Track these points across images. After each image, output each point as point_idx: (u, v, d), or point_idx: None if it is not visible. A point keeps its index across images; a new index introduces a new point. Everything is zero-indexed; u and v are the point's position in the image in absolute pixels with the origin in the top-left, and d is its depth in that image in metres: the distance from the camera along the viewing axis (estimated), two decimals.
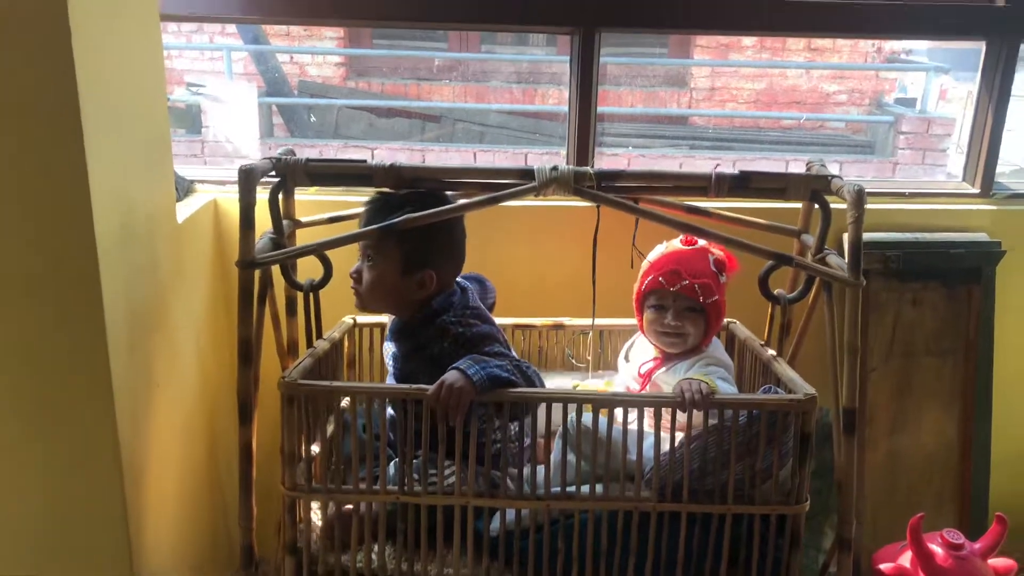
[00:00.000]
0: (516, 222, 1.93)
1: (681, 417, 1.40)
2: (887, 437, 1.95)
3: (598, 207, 1.60)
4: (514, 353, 1.56)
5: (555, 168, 1.50)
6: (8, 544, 1.45)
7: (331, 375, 1.71)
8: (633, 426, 1.41)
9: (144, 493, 1.51)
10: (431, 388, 1.37)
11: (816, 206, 1.56)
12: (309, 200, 1.87)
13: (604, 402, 1.42)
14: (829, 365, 1.55)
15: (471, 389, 1.36)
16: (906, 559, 1.55)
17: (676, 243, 1.68)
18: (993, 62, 2.01)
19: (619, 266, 1.71)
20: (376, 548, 1.47)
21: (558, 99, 5.67)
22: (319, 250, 1.53)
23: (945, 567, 1.49)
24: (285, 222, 1.66)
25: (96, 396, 1.38)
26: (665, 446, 1.41)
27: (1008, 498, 1.89)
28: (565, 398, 1.44)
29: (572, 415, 1.43)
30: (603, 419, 1.41)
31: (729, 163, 5.19)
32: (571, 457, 1.44)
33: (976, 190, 2.08)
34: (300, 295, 1.71)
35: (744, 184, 1.53)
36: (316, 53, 5.79)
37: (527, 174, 1.51)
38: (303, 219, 1.70)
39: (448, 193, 1.58)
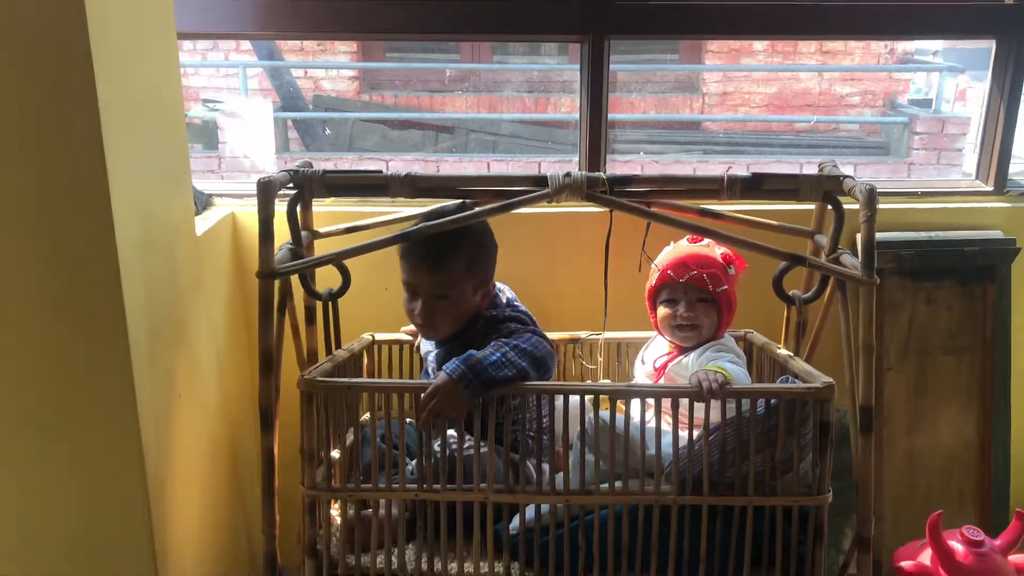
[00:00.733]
0: (530, 229, 1.95)
1: (699, 410, 1.41)
2: (905, 436, 1.95)
3: (611, 212, 1.62)
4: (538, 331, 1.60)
5: (568, 174, 1.52)
6: (36, 553, 1.48)
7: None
8: (651, 423, 1.43)
9: (168, 502, 1.53)
10: (424, 394, 1.40)
11: (829, 207, 1.57)
12: (326, 211, 1.89)
13: (621, 393, 1.43)
14: (845, 364, 1.55)
15: (461, 398, 1.39)
16: (926, 557, 1.55)
17: (683, 242, 1.70)
18: (1004, 60, 2.01)
19: (632, 270, 1.72)
20: (396, 549, 1.48)
21: (570, 107, 5.70)
22: (338, 259, 1.56)
23: (965, 564, 1.49)
24: (303, 233, 1.69)
25: (120, 406, 1.40)
26: (683, 441, 1.41)
27: None
28: (582, 389, 1.45)
29: (590, 414, 1.44)
30: (620, 416, 1.42)
31: (742, 167, 5.20)
32: (589, 455, 1.44)
33: (989, 188, 2.07)
34: (319, 305, 1.74)
35: (756, 186, 1.54)
36: (330, 67, 5.84)
37: (540, 181, 1.53)
38: (321, 230, 1.73)
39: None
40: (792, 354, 1.65)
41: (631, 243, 1.72)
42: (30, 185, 1.31)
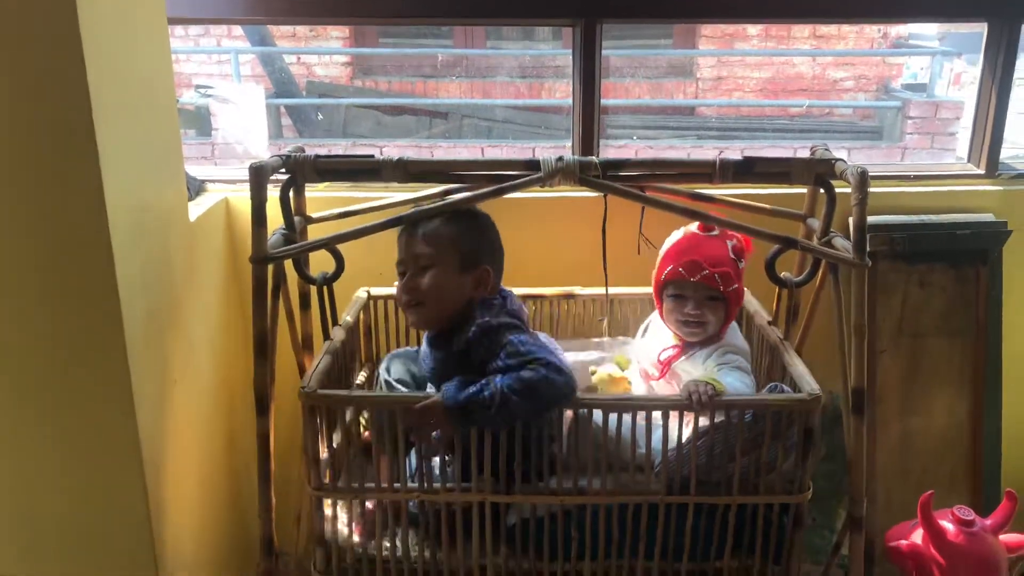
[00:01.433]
0: (524, 214, 1.95)
1: (689, 414, 1.42)
2: (898, 419, 1.96)
3: (605, 196, 1.62)
4: (540, 344, 1.47)
5: (560, 159, 1.52)
6: (32, 539, 1.49)
7: (349, 359, 1.75)
8: (642, 421, 1.43)
9: (165, 487, 1.54)
10: (419, 404, 1.40)
11: (821, 191, 1.58)
12: (319, 197, 1.89)
13: (614, 407, 1.44)
14: (837, 347, 1.56)
15: (443, 417, 1.39)
16: (918, 536, 1.57)
17: (693, 228, 1.69)
18: (995, 43, 2.01)
19: (627, 253, 1.72)
20: (400, 539, 1.51)
21: (564, 93, 5.68)
22: (332, 244, 1.56)
23: (956, 543, 1.50)
24: (296, 218, 1.69)
25: (116, 392, 1.41)
26: (673, 437, 1.43)
27: (1020, 476, 1.90)
28: (576, 403, 1.43)
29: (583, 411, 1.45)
30: (612, 418, 1.44)
31: (736, 152, 5.19)
32: (583, 450, 1.45)
33: (981, 171, 2.08)
34: (313, 290, 1.74)
35: (748, 169, 1.54)
36: (322, 53, 5.81)
37: (533, 165, 1.53)
38: (314, 215, 1.73)
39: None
40: (783, 337, 1.66)
41: (627, 224, 1.73)
42: (22, 173, 1.31)
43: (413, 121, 5.66)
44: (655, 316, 1.77)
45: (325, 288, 1.71)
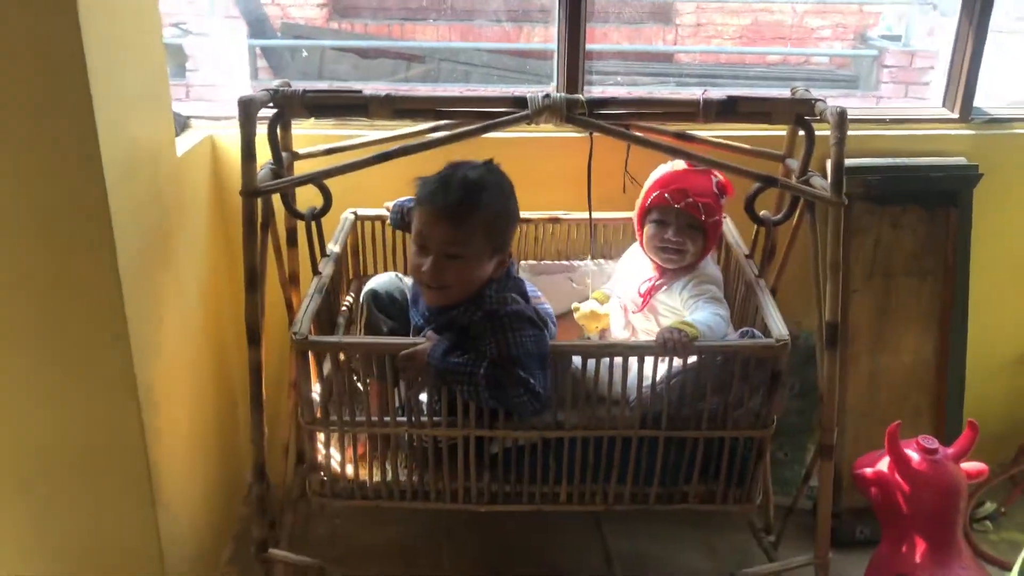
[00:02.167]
0: (510, 153, 1.96)
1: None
2: (868, 356, 2.03)
3: (591, 134, 1.65)
4: (533, 351, 1.46)
5: (548, 96, 1.54)
6: (31, 468, 1.52)
7: (337, 284, 1.79)
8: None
9: (159, 416, 1.57)
10: (405, 351, 1.45)
11: (800, 132, 1.62)
12: (306, 134, 1.90)
13: (593, 352, 1.49)
14: (812, 283, 1.62)
15: (425, 369, 1.44)
16: (884, 464, 1.64)
17: (680, 164, 1.73)
18: None
19: (612, 193, 1.76)
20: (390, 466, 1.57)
21: (544, 37, 5.63)
22: (321, 178, 1.58)
23: (920, 470, 1.58)
24: (284, 154, 1.70)
25: (112, 327, 1.43)
26: (648, 376, 1.49)
27: (981, 410, 1.98)
28: (557, 351, 1.50)
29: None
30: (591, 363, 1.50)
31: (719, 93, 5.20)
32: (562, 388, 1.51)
33: (955, 115, 2.12)
34: (301, 226, 1.76)
35: (731, 108, 1.58)
36: None
37: (520, 102, 1.55)
38: (300, 151, 1.74)
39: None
40: (758, 274, 1.71)
41: (611, 164, 1.76)
42: (13, 110, 1.31)
43: (390, 65, 5.59)
44: (632, 250, 1.82)
45: (313, 223, 1.72)
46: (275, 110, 1.61)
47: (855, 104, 5.31)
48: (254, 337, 1.54)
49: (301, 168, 1.71)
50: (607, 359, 1.48)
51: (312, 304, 1.58)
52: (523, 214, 1.86)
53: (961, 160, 2.05)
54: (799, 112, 1.59)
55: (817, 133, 1.59)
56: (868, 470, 1.64)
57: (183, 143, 1.85)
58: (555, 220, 1.93)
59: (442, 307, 1.53)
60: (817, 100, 1.58)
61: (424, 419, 1.52)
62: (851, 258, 1.98)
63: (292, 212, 1.70)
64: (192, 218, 1.81)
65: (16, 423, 1.49)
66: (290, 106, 1.59)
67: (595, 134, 1.69)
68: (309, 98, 1.59)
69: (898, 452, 1.58)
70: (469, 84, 5.45)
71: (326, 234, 1.78)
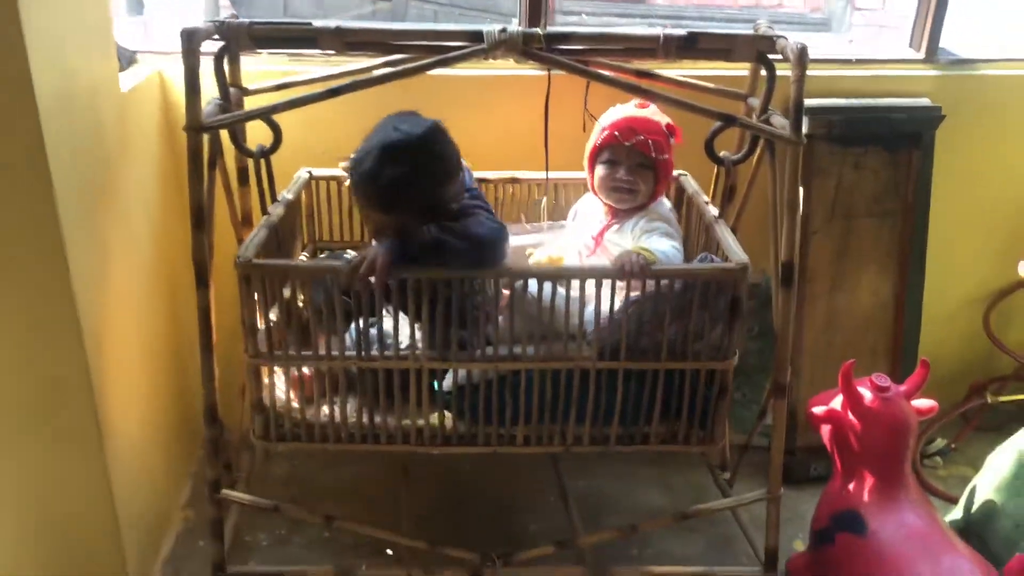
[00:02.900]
0: (467, 92, 1.92)
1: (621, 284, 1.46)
2: (826, 296, 2.04)
3: (549, 71, 1.61)
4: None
5: (504, 29, 1.50)
6: None
7: (289, 237, 1.74)
8: (576, 293, 1.47)
9: (107, 362, 1.53)
10: (349, 263, 1.42)
11: (763, 71, 1.59)
12: (257, 71, 1.84)
13: (549, 276, 1.47)
14: (769, 224, 1.61)
15: (387, 260, 1.40)
16: (838, 403, 1.65)
17: (630, 106, 1.70)
18: None
19: (572, 132, 1.72)
20: (338, 405, 1.54)
21: None
22: (268, 114, 1.53)
23: (872, 408, 1.59)
24: (232, 89, 1.64)
25: (51, 267, 1.39)
26: (605, 307, 1.46)
27: (937, 351, 2.00)
28: (512, 274, 1.48)
29: (519, 283, 1.48)
30: (547, 287, 1.47)
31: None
32: (518, 322, 1.49)
33: (921, 56, 2.10)
34: (252, 164, 1.71)
35: (692, 45, 1.54)
36: None
37: (476, 36, 1.50)
38: (250, 87, 1.69)
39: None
40: (718, 215, 1.70)
41: (572, 102, 1.72)
42: None
43: (355, 2, 5.45)
44: (584, 199, 1.80)
45: (263, 162, 1.68)
46: (222, 43, 1.55)
47: (825, 45, 5.28)
48: (202, 277, 1.50)
49: (252, 104, 1.66)
50: (562, 286, 1.47)
51: (260, 235, 1.55)
52: (480, 174, 1.83)
53: (925, 101, 2.03)
54: (760, 49, 1.56)
55: (780, 73, 1.56)
56: (821, 408, 1.65)
57: (130, 78, 1.79)
58: (514, 180, 1.88)
59: None
60: (779, 36, 1.54)
61: (374, 352, 1.50)
62: (812, 199, 1.98)
63: (241, 149, 1.66)
64: (140, 155, 1.76)
65: None
66: (236, 38, 1.54)
67: (554, 72, 1.65)
68: (256, 30, 1.53)
69: (851, 390, 1.59)
70: (435, 23, 5.33)
71: (278, 178, 1.73)
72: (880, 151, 2.00)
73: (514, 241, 1.81)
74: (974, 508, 1.70)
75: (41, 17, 1.31)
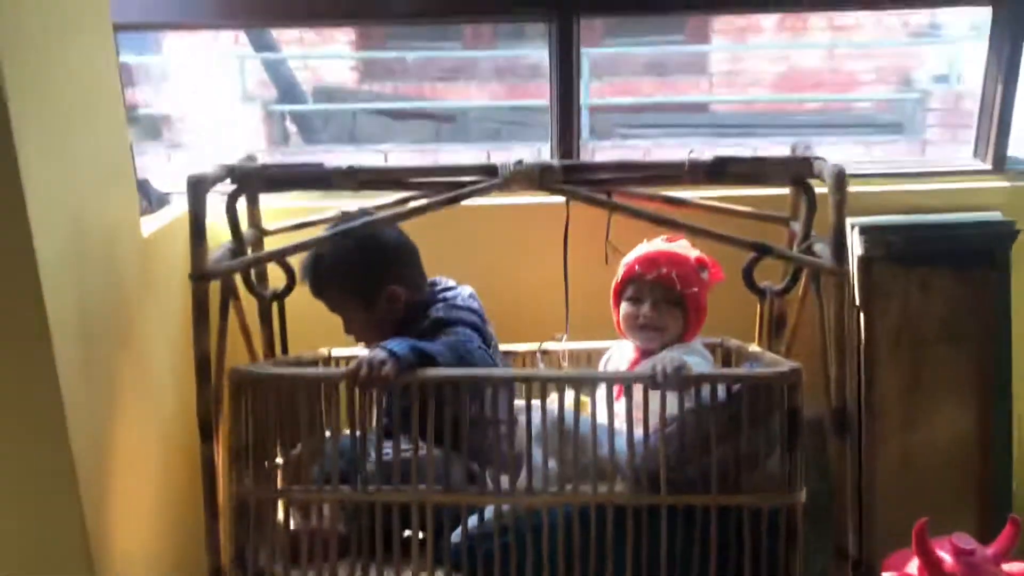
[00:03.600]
0: (485, 222, 1.85)
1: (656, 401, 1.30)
2: (898, 434, 1.84)
3: (567, 202, 1.53)
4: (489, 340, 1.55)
5: (520, 162, 1.44)
6: None
7: None
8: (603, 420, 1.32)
9: (108, 516, 1.45)
10: (350, 366, 1.33)
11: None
12: (285, 207, 1.81)
13: (570, 381, 1.34)
14: (819, 361, 1.45)
15: (393, 364, 1.30)
16: (914, 567, 1.45)
17: (657, 240, 1.59)
18: (1000, 29, 1.88)
19: (595, 265, 1.62)
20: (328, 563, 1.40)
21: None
22: (276, 258, 1.49)
23: (954, 574, 1.38)
24: (251, 231, 1.62)
25: (47, 421, 1.32)
26: (639, 429, 1.31)
27: None
28: (527, 377, 1.35)
29: (536, 401, 1.34)
30: (570, 411, 1.34)
31: (749, 150, 5.05)
32: (537, 454, 1.34)
33: (988, 166, 1.95)
34: (275, 305, 1.67)
35: (721, 170, 1.44)
36: (324, 58, 5.77)
37: (490, 170, 1.45)
38: (269, 227, 1.66)
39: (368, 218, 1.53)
40: (764, 351, 1.55)
41: (597, 236, 1.63)
42: None
43: (420, 125, 5.59)
44: (614, 347, 1.67)
45: (276, 304, 1.62)
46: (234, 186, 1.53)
47: (900, 151, 5.10)
48: (206, 432, 1.43)
49: (273, 244, 1.62)
50: (587, 394, 1.34)
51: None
52: (507, 347, 1.71)
53: (996, 215, 1.86)
54: (796, 172, 1.44)
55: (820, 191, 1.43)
56: (894, 574, 1.45)
57: (157, 220, 1.78)
58: (544, 352, 1.73)
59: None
60: (816, 158, 1.43)
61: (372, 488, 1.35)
62: (875, 326, 1.81)
63: (253, 292, 1.61)
64: (163, 299, 1.72)
65: None
66: (248, 182, 1.51)
67: (574, 201, 1.57)
68: (269, 173, 1.51)
69: (928, 554, 1.39)
70: (498, 141, 5.42)
71: (299, 318, 1.67)
72: (948, 271, 1.83)
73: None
74: None
75: (45, 165, 1.29)
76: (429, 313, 1.52)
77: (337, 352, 1.74)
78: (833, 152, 1.51)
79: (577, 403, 1.44)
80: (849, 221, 1.81)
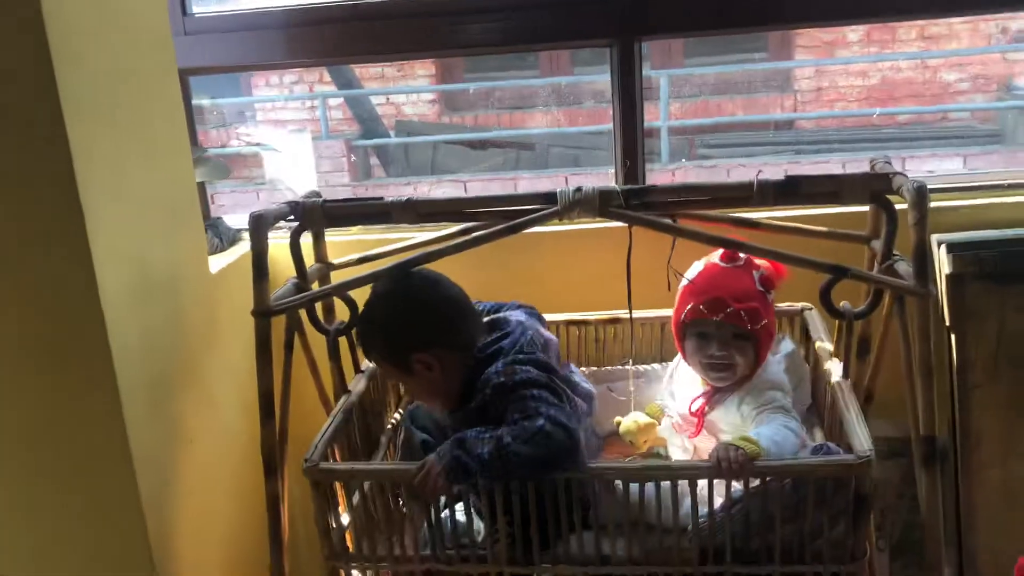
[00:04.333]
0: (546, 249, 1.82)
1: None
2: (1000, 463, 1.70)
3: (630, 228, 1.47)
4: (554, 401, 1.34)
5: (579, 189, 1.40)
6: None
7: (379, 415, 1.67)
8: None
9: (175, 553, 1.47)
10: (414, 470, 1.29)
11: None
12: (353, 240, 1.82)
13: (632, 476, 1.28)
14: (905, 389, 1.35)
15: (445, 484, 1.27)
16: None
17: (714, 259, 1.52)
18: None
19: (660, 289, 1.56)
20: None
21: (655, 115, 5.51)
22: (334, 293, 1.50)
23: None
24: (317, 265, 1.63)
25: (114, 462, 1.36)
26: (704, 499, 1.26)
27: None
28: (592, 475, 1.30)
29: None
30: (634, 488, 1.29)
31: (837, 165, 4.87)
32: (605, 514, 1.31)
33: None
34: (343, 341, 1.66)
35: (792, 190, 1.37)
36: (401, 92, 5.88)
37: (549, 198, 1.41)
38: (335, 261, 1.66)
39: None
40: (844, 374, 1.45)
41: (660, 258, 1.57)
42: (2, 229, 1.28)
43: (500, 154, 5.63)
44: (679, 365, 1.60)
45: (337, 340, 1.62)
46: (296, 223, 1.54)
47: (1001, 161, 4.85)
48: (271, 469, 1.44)
49: (340, 278, 1.62)
50: (651, 483, 1.27)
51: (332, 427, 1.45)
52: (580, 315, 1.71)
53: None
54: (875, 189, 1.35)
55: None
56: None
57: (226, 257, 1.82)
58: (615, 320, 1.72)
59: (450, 410, 1.45)
60: (896, 174, 1.34)
61: (450, 552, 1.34)
62: (968, 348, 1.69)
63: (318, 327, 1.60)
64: (231, 336, 1.74)
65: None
66: (310, 218, 1.52)
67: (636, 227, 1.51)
68: (329, 208, 1.51)
69: None
70: (577, 167, 5.40)
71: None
72: None
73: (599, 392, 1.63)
74: None
75: (109, 207, 1.33)
76: (489, 378, 1.36)
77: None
78: (927, 165, 1.42)
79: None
80: (936, 238, 1.71)
